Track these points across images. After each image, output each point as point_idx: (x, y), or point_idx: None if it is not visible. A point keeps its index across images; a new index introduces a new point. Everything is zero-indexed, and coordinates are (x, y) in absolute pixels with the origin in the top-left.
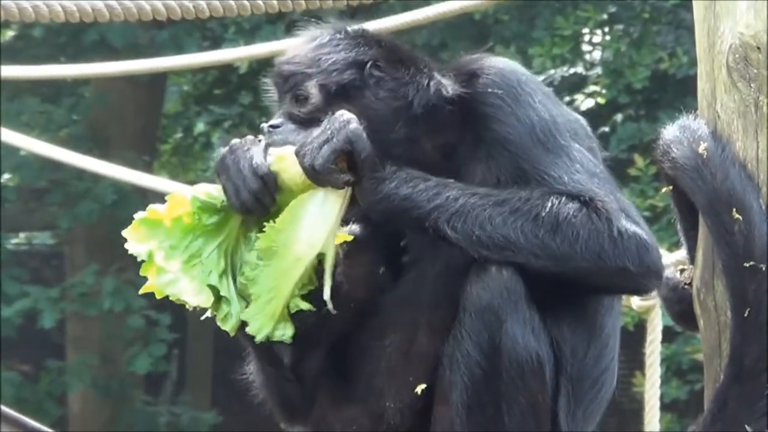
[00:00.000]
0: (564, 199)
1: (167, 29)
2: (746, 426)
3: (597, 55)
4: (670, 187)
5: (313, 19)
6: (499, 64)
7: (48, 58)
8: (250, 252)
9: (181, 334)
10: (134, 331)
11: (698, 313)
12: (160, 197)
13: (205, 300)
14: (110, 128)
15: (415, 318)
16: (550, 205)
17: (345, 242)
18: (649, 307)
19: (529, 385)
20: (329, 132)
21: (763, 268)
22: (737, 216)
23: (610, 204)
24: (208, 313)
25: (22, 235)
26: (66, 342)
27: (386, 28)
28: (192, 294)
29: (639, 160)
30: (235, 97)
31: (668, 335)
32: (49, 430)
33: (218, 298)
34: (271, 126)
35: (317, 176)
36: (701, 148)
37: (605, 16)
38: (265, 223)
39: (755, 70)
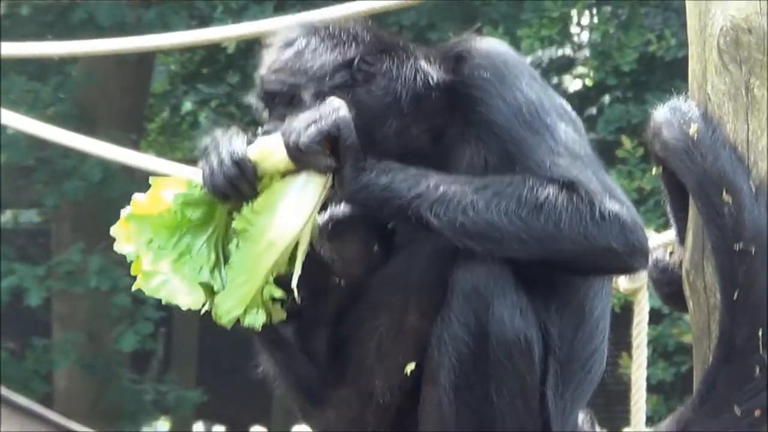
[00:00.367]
0: (546, 182)
1: (155, 8)
2: (735, 407)
3: (585, 36)
4: (660, 169)
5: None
6: (486, 45)
7: (35, 36)
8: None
9: (167, 313)
10: (121, 309)
11: (688, 295)
12: (147, 176)
13: (197, 301)
14: (97, 107)
15: (405, 298)
16: (532, 188)
17: (339, 220)
18: (636, 289)
19: (517, 367)
20: (318, 114)
21: (753, 250)
22: (727, 198)
23: (593, 186)
24: (206, 308)
25: (8, 212)
26: (52, 320)
27: (373, 9)
28: (184, 294)
29: (626, 142)
30: (223, 76)
31: (654, 317)
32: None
33: (212, 293)
34: (266, 132)
35: (300, 156)
36: (692, 129)
37: None
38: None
39: (746, 53)
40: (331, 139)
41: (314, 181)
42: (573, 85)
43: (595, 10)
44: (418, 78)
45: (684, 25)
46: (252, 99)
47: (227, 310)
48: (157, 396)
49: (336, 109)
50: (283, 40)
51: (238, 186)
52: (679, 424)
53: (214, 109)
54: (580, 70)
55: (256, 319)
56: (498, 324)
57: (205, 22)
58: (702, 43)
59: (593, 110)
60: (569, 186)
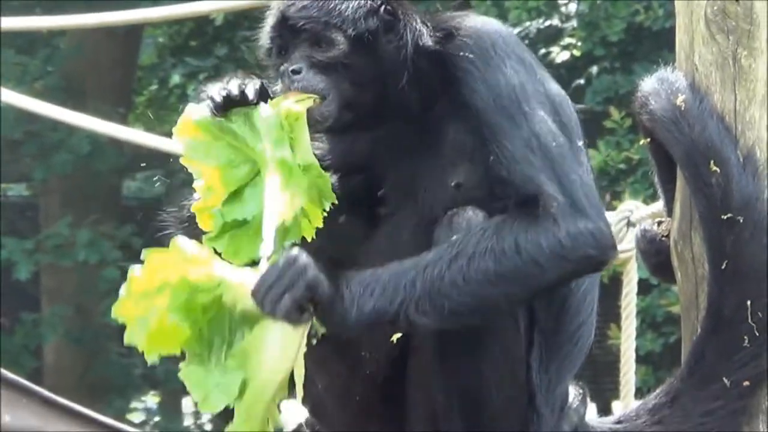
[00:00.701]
0: (514, 214)
1: None
2: (724, 378)
3: (573, 7)
4: (648, 140)
5: None
6: (477, 24)
7: (24, 10)
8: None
9: None
10: (109, 282)
11: (675, 266)
12: (135, 148)
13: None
14: (85, 80)
15: None
16: (501, 232)
17: None
18: (625, 260)
19: (502, 337)
20: (287, 281)
21: (741, 220)
22: (715, 168)
23: (560, 194)
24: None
25: None
26: (41, 294)
27: None
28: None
29: (614, 113)
30: (211, 49)
31: (643, 288)
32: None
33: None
34: (293, 71)
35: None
36: (679, 100)
37: None
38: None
39: (733, 23)
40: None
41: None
42: (560, 55)
43: None
44: (418, 40)
45: None
46: (264, 37)
47: None
48: (146, 370)
49: (303, 269)
50: None
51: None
52: (668, 394)
53: (202, 82)
54: (568, 40)
55: None
56: None
57: None
58: (689, 14)
59: (581, 81)
60: (537, 205)
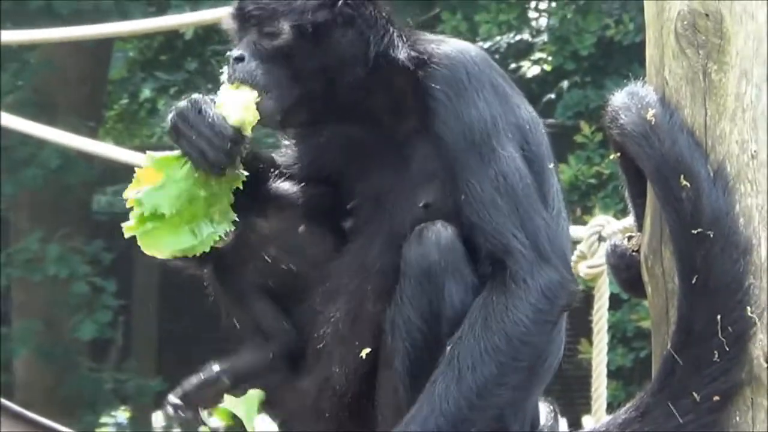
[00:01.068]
0: (490, 301)
1: None
2: (694, 393)
3: (543, 21)
4: (618, 154)
5: None
6: (451, 52)
7: None
8: None
9: (126, 301)
10: (79, 297)
11: (646, 280)
12: (105, 164)
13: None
14: (56, 94)
15: (362, 285)
16: (488, 325)
17: (268, 196)
18: (596, 275)
19: None
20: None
21: (711, 235)
22: (685, 183)
23: (524, 253)
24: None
25: None
26: (11, 308)
27: None
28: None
29: (585, 127)
30: (181, 63)
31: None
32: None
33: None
34: (236, 58)
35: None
36: (649, 114)
37: None
38: None
39: (703, 37)
40: None
41: None
42: (531, 70)
43: None
44: (390, 48)
45: (642, 9)
46: (226, 21)
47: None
48: (116, 385)
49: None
50: None
51: (233, 155)
52: (638, 409)
53: (173, 96)
54: (539, 55)
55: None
56: (451, 307)
57: (162, 8)
58: (659, 28)
59: (552, 95)
60: (506, 267)
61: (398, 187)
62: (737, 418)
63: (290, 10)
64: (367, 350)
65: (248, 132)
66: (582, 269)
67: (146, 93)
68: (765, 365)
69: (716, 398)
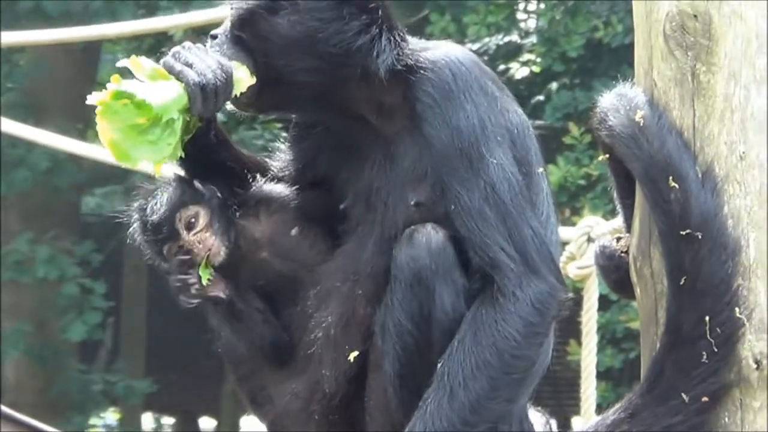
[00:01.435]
0: (479, 316)
1: None
2: (683, 394)
3: (532, 23)
4: (607, 156)
5: None
6: (439, 56)
7: None
8: None
9: (115, 302)
10: (69, 298)
11: (635, 282)
12: (94, 165)
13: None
14: (45, 96)
15: (353, 287)
16: (477, 339)
17: (260, 198)
18: (585, 276)
19: None
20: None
21: (700, 236)
22: (673, 184)
23: (512, 267)
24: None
25: None
26: (0, 310)
27: None
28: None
29: (574, 129)
30: None
31: (603, 304)
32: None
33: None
34: (211, 35)
35: None
36: (638, 116)
37: None
38: None
39: (692, 38)
40: None
41: None
42: (520, 72)
43: None
44: (377, 42)
45: (631, 11)
46: None
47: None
48: (105, 386)
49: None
50: None
51: (219, 98)
52: (627, 410)
53: None
54: (527, 56)
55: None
56: (441, 311)
57: (152, 10)
58: (648, 29)
59: (540, 97)
60: (494, 281)
61: (389, 186)
62: (726, 419)
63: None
64: (355, 353)
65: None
66: (571, 270)
67: None
68: (754, 366)
69: (705, 399)
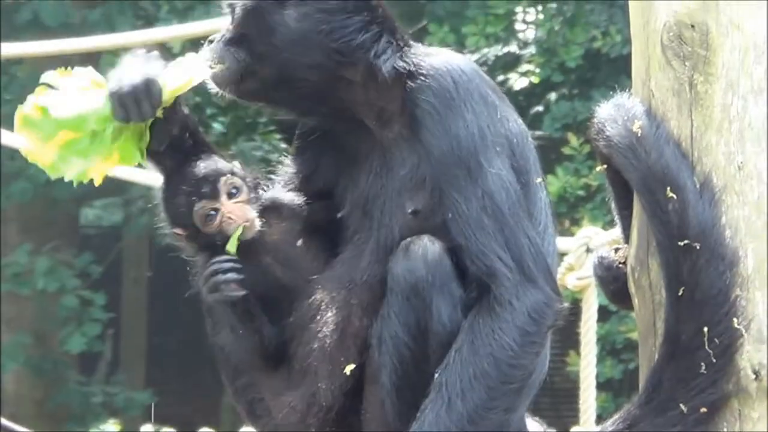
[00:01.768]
0: (476, 326)
1: (100, 8)
2: (681, 405)
3: (530, 33)
4: (605, 166)
5: None
6: (440, 63)
7: None
8: None
9: (115, 314)
10: (68, 310)
11: (633, 292)
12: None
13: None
14: None
15: (347, 297)
16: (474, 349)
17: (267, 206)
18: (584, 287)
19: None
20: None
21: (698, 247)
22: (671, 194)
23: (508, 276)
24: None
25: None
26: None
27: None
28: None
29: (573, 139)
30: None
31: (602, 314)
32: None
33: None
34: (209, 40)
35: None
36: (635, 126)
37: None
38: None
39: (690, 48)
40: None
41: None
42: (519, 82)
43: (540, 7)
44: (374, 42)
45: (629, 21)
46: None
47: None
48: (105, 398)
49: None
50: None
51: (141, 105)
52: (626, 421)
53: None
54: (526, 67)
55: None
56: (438, 323)
57: (150, 22)
58: (645, 39)
59: (539, 108)
60: (490, 290)
61: (385, 194)
62: (725, 430)
63: None
64: (352, 366)
65: (168, 94)
66: (570, 281)
67: None
68: (752, 377)
69: (703, 410)
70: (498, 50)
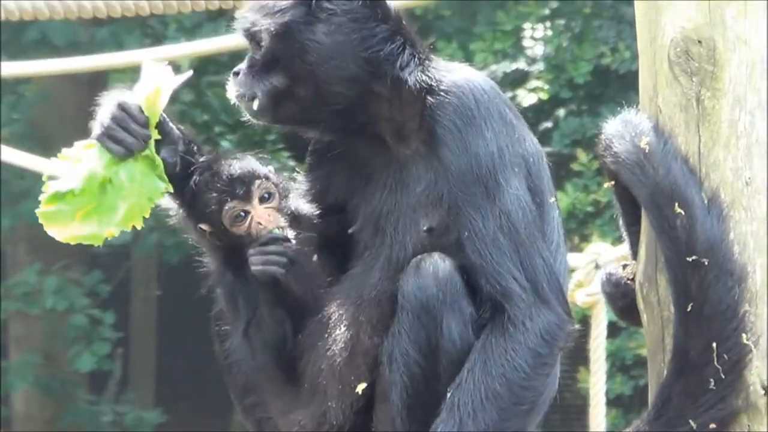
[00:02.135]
0: (489, 346)
1: (108, 26)
2: (690, 421)
3: (539, 50)
4: (612, 182)
5: None
6: (461, 81)
7: None
8: None
9: (124, 333)
10: (77, 329)
11: (641, 308)
12: None
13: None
14: (51, 126)
15: (357, 315)
16: (487, 369)
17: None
18: (593, 303)
19: None
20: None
21: (706, 263)
22: (679, 210)
23: (522, 297)
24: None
25: None
26: (8, 341)
27: None
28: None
29: (582, 155)
30: (177, 95)
31: (612, 330)
32: None
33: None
34: (234, 73)
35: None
36: (643, 142)
37: (547, 11)
38: None
39: (697, 64)
40: None
41: None
42: (527, 99)
43: (548, 23)
44: (399, 62)
45: (637, 37)
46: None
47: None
48: (115, 417)
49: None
50: None
51: (129, 129)
52: None
53: None
54: (535, 83)
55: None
56: (449, 340)
57: (158, 40)
58: (652, 55)
59: (548, 124)
60: (504, 310)
61: (399, 210)
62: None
63: (265, 14)
64: (363, 385)
65: (156, 108)
66: (579, 297)
67: None
68: (761, 392)
69: (713, 426)
70: (506, 67)
